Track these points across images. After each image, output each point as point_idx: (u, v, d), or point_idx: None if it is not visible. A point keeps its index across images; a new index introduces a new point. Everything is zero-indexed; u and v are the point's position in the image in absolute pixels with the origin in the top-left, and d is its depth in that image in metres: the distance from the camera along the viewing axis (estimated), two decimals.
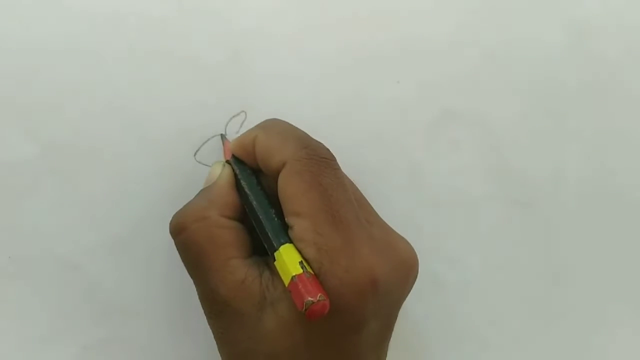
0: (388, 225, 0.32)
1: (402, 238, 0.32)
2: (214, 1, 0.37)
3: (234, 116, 0.37)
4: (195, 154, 0.37)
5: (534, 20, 0.41)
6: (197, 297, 0.36)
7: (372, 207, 0.33)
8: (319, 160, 0.30)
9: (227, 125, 0.37)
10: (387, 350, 0.33)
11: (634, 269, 0.42)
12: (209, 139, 0.37)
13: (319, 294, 0.28)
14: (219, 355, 0.34)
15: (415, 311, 0.39)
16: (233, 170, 0.34)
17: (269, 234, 0.30)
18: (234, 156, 0.34)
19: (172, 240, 0.36)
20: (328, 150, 0.31)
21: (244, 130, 0.36)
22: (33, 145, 0.35)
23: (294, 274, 0.28)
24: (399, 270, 0.31)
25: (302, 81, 0.38)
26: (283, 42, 0.38)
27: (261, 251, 0.32)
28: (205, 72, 0.37)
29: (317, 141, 0.32)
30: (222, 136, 0.36)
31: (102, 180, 0.36)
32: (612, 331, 0.42)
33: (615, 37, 0.41)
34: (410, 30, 0.39)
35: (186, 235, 0.31)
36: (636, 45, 0.42)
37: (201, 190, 0.33)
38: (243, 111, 0.37)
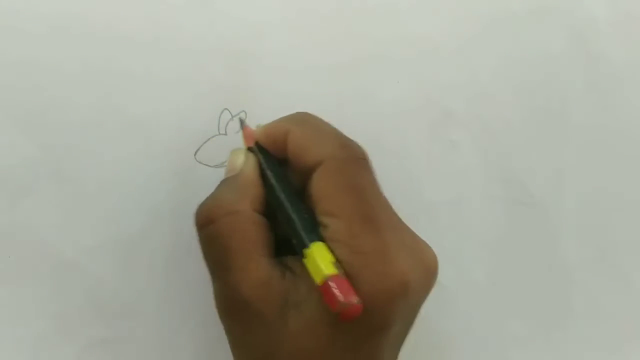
0: (412, 230, 0.32)
1: (426, 243, 0.32)
2: (215, 1, 0.37)
3: (234, 116, 0.37)
4: (195, 154, 0.37)
5: (535, 21, 0.40)
6: (196, 297, 0.36)
7: (396, 212, 0.32)
8: (356, 160, 0.30)
9: (227, 125, 0.37)
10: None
11: (634, 268, 0.42)
12: (209, 139, 0.37)
13: (355, 297, 0.27)
14: (218, 355, 0.34)
15: None
16: (257, 158, 0.32)
17: (300, 230, 0.29)
18: (257, 143, 0.33)
19: (172, 241, 0.36)
20: (363, 149, 0.31)
21: None
22: (33, 145, 0.35)
23: (327, 274, 0.27)
24: (425, 275, 0.30)
25: (302, 81, 0.38)
26: (283, 43, 0.38)
27: (278, 249, 0.31)
28: (205, 71, 0.37)
29: (353, 140, 0.31)
30: (242, 121, 0.35)
31: (101, 180, 0.36)
32: (614, 331, 0.42)
33: (615, 38, 0.41)
34: (410, 30, 0.39)
35: (214, 229, 0.30)
36: (637, 47, 0.42)
37: (226, 180, 0.32)
38: (243, 111, 0.37)
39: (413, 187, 0.39)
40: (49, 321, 0.36)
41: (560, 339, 0.42)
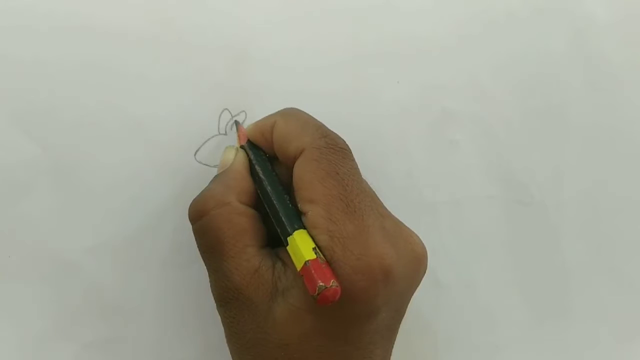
0: (398, 219, 0.33)
1: (412, 231, 0.32)
2: (215, 0, 0.37)
3: (234, 116, 0.37)
4: (195, 154, 0.37)
5: (534, 21, 0.41)
6: (196, 297, 0.36)
7: (382, 203, 0.33)
8: (337, 149, 0.31)
9: (227, 125, 0.37)
10: (394, 342, 0.33)
11: (634, 269, 0.42)
12: (209, 139, 0.37)
13: (332, 280, 0.28)
14: (218, 355, 0.34)
15: (414, 310, 0.39)
16: (247, 155, 0.34)
17: (283, 219, 0.30)
18: (249, 141, 0.34)
19: (172, 241, 0.36)
20: (344, 141, 0.32)
21: None
22: (33, 145, 0.35)
23: (307, 259, 0.28)
24: (410, 262, 0.31)
25: (302, 81, 0.38)
26: (283, 43, 0.38)
27: (273, 243, 0.32)
28: (205, 71, 0.37)
29: (334, 132, 0.32)
30: (236, 122, 0.36)
31: (101, 180, 0.36)
32: (614, 330, 0.42)
33: (615, 38, 0.41)
34: (410, 30, 0.39)
35: (206, 221, 0.31)
36: (637, 47, 0.42)
37: (216, 176, 0.33)
38: (243, 111, 0.37)
39: (413, 187, 0.39)
40: (49, 321, 0.36)
41: (560, 338, 0.42)
